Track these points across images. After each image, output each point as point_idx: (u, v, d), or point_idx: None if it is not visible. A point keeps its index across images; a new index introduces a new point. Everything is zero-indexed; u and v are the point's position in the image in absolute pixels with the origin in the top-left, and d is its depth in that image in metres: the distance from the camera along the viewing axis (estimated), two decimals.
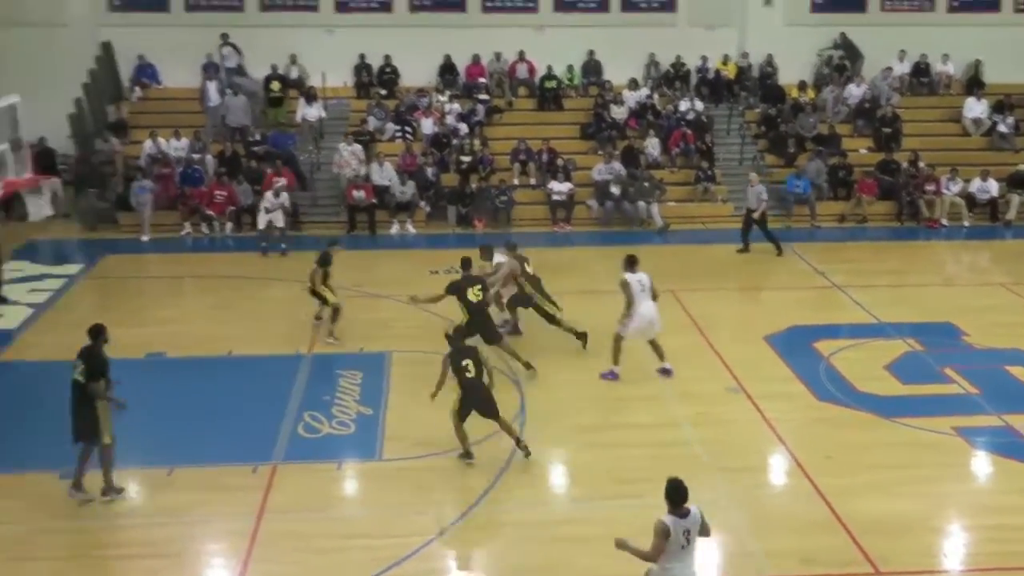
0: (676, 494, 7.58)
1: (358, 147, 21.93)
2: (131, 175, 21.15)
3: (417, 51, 24.63)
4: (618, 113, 24.19)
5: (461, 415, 11.27)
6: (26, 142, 16.37)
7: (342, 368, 13.92)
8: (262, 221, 20.09)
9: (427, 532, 9.96)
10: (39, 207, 16.62)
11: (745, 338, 15.22)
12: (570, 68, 25.39)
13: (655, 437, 12.08)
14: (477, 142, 22.84)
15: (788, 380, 13.77)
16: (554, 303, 14.74)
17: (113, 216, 21.17)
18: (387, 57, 24.84)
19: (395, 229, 21.37)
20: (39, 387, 12.13)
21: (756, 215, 19.75)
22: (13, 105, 15.98)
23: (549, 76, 24.90)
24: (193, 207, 20.99)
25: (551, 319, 14.69)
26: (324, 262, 14.90)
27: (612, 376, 13.54)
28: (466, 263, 14.20)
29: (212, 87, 23.23)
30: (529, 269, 14.96)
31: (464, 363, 11.29)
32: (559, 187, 21.77)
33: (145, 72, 24.56)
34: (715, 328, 15.65)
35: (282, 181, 20.60)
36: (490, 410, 11.34)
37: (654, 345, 13.68)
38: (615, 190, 21.81)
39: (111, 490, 10.53)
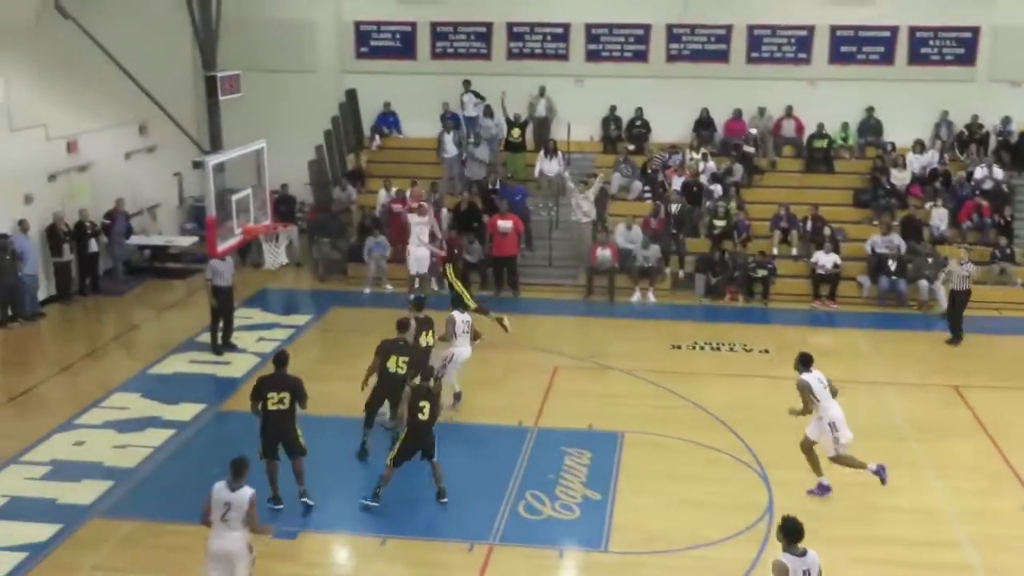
0: (793, 531, 8.37)
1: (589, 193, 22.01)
2: (366, 226, 22.36)
3: (672, 104, 24.79)
4: (899, 178, 23.29)
5: (400, 457, 12.03)
6: (268, 188, 17.70)
7: (569, 445, 14.00)
8: (412, 266, 20.59)
9: None
10: (275, 255, 17.82)
11: None
12: (845, 126, 24.77)
13: (929, 558, 11.37)
14: (733, 204, 22.60)
15: None
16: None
17: (344, 267, 22.46)
18: (639, 110, 25.17)
19: (636, 297, 21.40)
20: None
21: None
22: (259, 151, 17.31)
23: (820, 134, 24.39)
24: None
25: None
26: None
27: (823, 491, 12.75)
28: (402, 324, 13.79)
29: (449, 138, 24.31)
30: (427, 339, 14.33)
31: (420, 404, 11.92)
32: (825, 259, 21.11)
33: (387, 120, 26.09)
34: (1009, 435, 14.61)
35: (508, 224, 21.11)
36: (431, 451, 12.21)
37: (841, 459, 12.59)
38: (892, 265, 20.91)
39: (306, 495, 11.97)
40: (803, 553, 8.31)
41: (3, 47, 18.79)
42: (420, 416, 11.99)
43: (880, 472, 12.51)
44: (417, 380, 12.45)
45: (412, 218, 20.78)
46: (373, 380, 13.60)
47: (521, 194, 23.03)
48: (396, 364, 13.38)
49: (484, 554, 11.34)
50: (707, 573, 11.04)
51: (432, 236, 20.64)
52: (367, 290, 21.55)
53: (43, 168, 20.33)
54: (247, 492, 9.58)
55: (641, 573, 11.05)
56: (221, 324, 17.79)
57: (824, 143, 24.32)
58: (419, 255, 20.56)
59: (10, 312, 19.13)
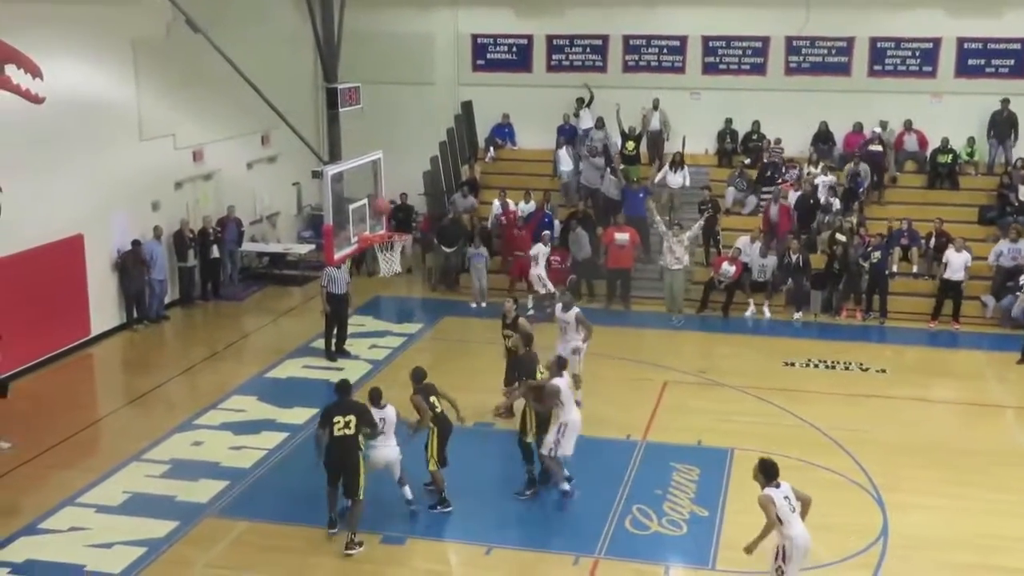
0: (771, 470, 9.86)
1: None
2: (474, 235, 22.45)
3: (789, 117, 24.36)
4: None
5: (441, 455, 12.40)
6: (383, 198, 17.98)
7: (678, 461, 13.86)
8: (537, 284, 20.57)
9: None
10: (390, 264, 18.08)
11: None
12: (971, 141, 23.97)
13: None
14: (854, 219, 22.04)
15: None
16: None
17: (457, 277, 22.66)
18: (755, 123, 24.82)
19: (750, 312, 21.06)
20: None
21: None
22: (376, 160, 17.61)
23: (944, 149, 23.64)
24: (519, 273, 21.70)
25: None
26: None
27: None
28: (342, 388, 12.20)
29: (563, 152, 24.32)
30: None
31: (431, 400, 12.42)
32: (956, 258, 20.05)
33: (502, 132, 26.29)
34: None
35: (625, 236, 21.00)
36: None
37: None
38: (1021, 280, 19.96)
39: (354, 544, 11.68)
40: (779, 485, 9.76)
41: (135, 60, 19.55)
42: (436, 409, 12.43)
43: None
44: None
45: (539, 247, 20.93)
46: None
47: (644, 192, 22.79)
48: (339, 427, 11.79)
49: (589, 567, 11.30)
50: None
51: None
52: (473, 304, 21.53)
53: (170, 176, 21.10)
54: (391, 409, 12.08)
55: None
56: (335, 331, 18.16)
57: (948, 158, 23.56)
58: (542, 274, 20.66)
59: (135, 314, 19.83)
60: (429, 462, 12.37)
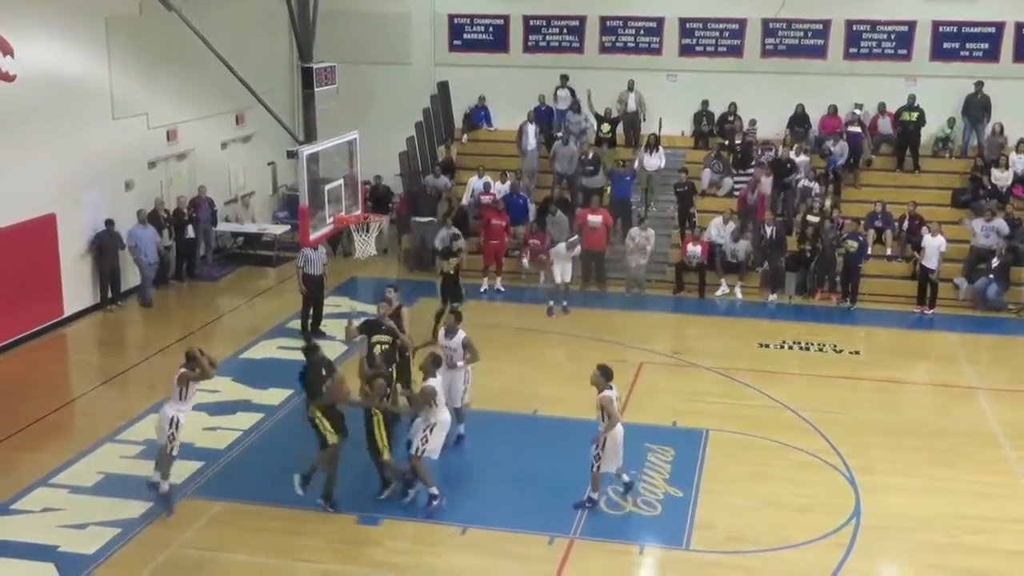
0: (611, 373, 12.06)
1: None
2: (450, 215, 22.41)
3: (766, 99, 24.43)
4: (1001, 179, 22.54)
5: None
6: (358, 178, 17.91)
7: (652, 442, 13.91)
8: (557, 274, 20.02)
9: None
10: (366, 245, 18.01)
11: None
12: (951, 121, 24.05)
13: (1022, 569, 11.03)
14: (828, 202, 22.14)
15: None
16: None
17: (432, 258, 22.58)
18: (732, 105, 24.85)
19: (722, 291, 21.15)
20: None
21: None
22: (352, 141, 17.54)
23: (911, 107, 23.51)
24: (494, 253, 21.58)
25: None
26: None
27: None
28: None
29: (531, 130, 24.27)
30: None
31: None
32: (932, 242, 20.17)
33: (478, 114, 26.22)
34: None
35: (597, 219, 20.91)
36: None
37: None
38: (994, 262, 20.08)
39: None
40: (612, 388, 11.88)
41: (108, 38, 19.35)
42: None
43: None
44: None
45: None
46: None
47: (632, 176, 22.79)
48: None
49: (564, 547, 11.36)
50: (790, 573, 10.88)
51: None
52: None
53: (144, 155, 20.93)
54: (459, 337, 13.45)
55: (721, 573, 10.96)
56: (311, 311, 18.13)
57: (913, 116, 23.56)
58: (565, 267, 20.10)
59: (110, 294, 19.69)
60: (384, 451, 12.09)
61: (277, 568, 11.05)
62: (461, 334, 13.72)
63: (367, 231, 18.02)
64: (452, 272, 18.48)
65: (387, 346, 13.83)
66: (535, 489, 12.66)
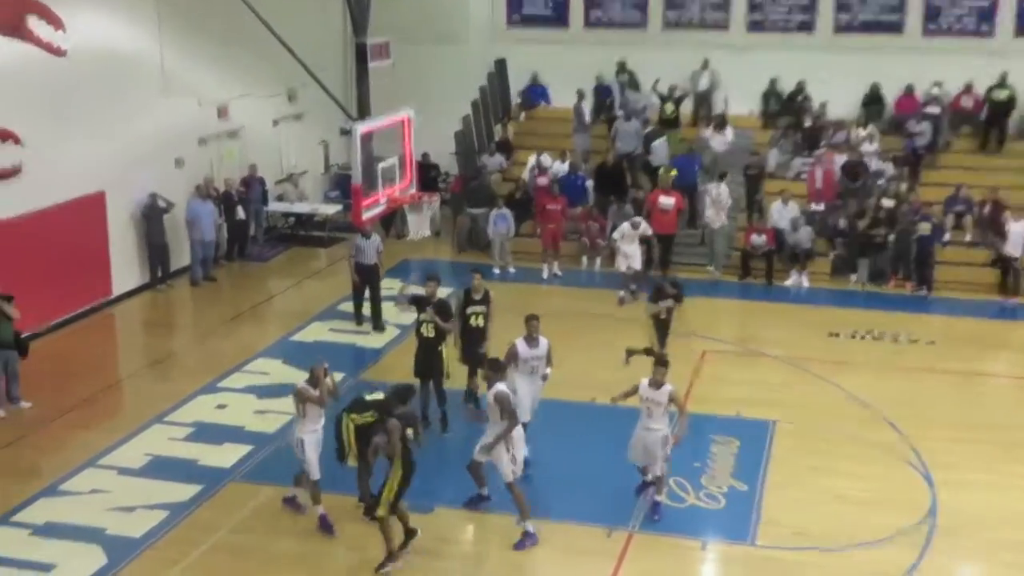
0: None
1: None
2: (512, 195, 22.33)
3: (838, 77, 23.95)
4: None
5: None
6: (412, 157, 17.87)
7: (717, 433, 13.74)
8: (622, 262, 19.61)
9: None
10: (419, 226, 17.98)
11: None
12: None
13: None
14: (904, 186, 21.68)
15: None
16: None
17: (486, 239, 22.49)
18: (800, 83, 24.42)
19: (791, 280, 20.82)
20: None
21: None
22: (405, 119, 17.49)
23: (1002, 84, 22.93)
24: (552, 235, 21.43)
25: None
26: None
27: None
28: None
29: (586, 109, 24.07)
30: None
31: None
32: (1017, 227, 19.87)
33: (535, 92, 26.05)
34: None
35: (670, 201, 20.65)
36: None
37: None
38: None
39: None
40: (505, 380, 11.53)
41: (159, 14, 19.48)
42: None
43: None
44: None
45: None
46: None
47: (699, 163, 22.54)
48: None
49: (623, 541, 11.25)
50: (855, 571, 10.68)
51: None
52: (496, 269, 21.07)
53: (194, 133, 21.06)
54: (544, 344, 12.83)
55: (789, 571, 10.77)
56: (366, 299, 17.86)
57: (1005, 94, 22.98)
58: (629, 251, 19.58)
59: (159, 274, 19.87)
60: (382, 507, 10.63)
61: (319, 555, 11.09)
62: (545, 342, 12.99)
63: (420, 211, 18.03)
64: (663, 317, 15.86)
65: (481, 316, 14.18)
66: (594, 480, 12.53)
